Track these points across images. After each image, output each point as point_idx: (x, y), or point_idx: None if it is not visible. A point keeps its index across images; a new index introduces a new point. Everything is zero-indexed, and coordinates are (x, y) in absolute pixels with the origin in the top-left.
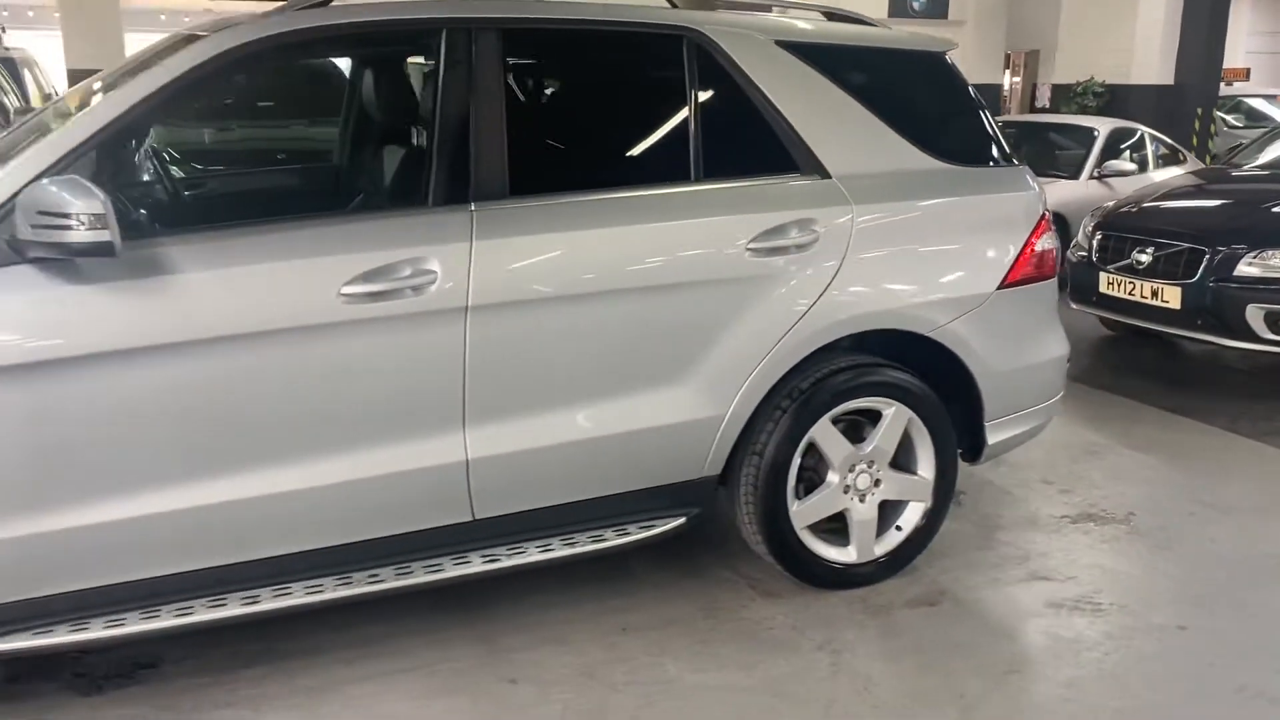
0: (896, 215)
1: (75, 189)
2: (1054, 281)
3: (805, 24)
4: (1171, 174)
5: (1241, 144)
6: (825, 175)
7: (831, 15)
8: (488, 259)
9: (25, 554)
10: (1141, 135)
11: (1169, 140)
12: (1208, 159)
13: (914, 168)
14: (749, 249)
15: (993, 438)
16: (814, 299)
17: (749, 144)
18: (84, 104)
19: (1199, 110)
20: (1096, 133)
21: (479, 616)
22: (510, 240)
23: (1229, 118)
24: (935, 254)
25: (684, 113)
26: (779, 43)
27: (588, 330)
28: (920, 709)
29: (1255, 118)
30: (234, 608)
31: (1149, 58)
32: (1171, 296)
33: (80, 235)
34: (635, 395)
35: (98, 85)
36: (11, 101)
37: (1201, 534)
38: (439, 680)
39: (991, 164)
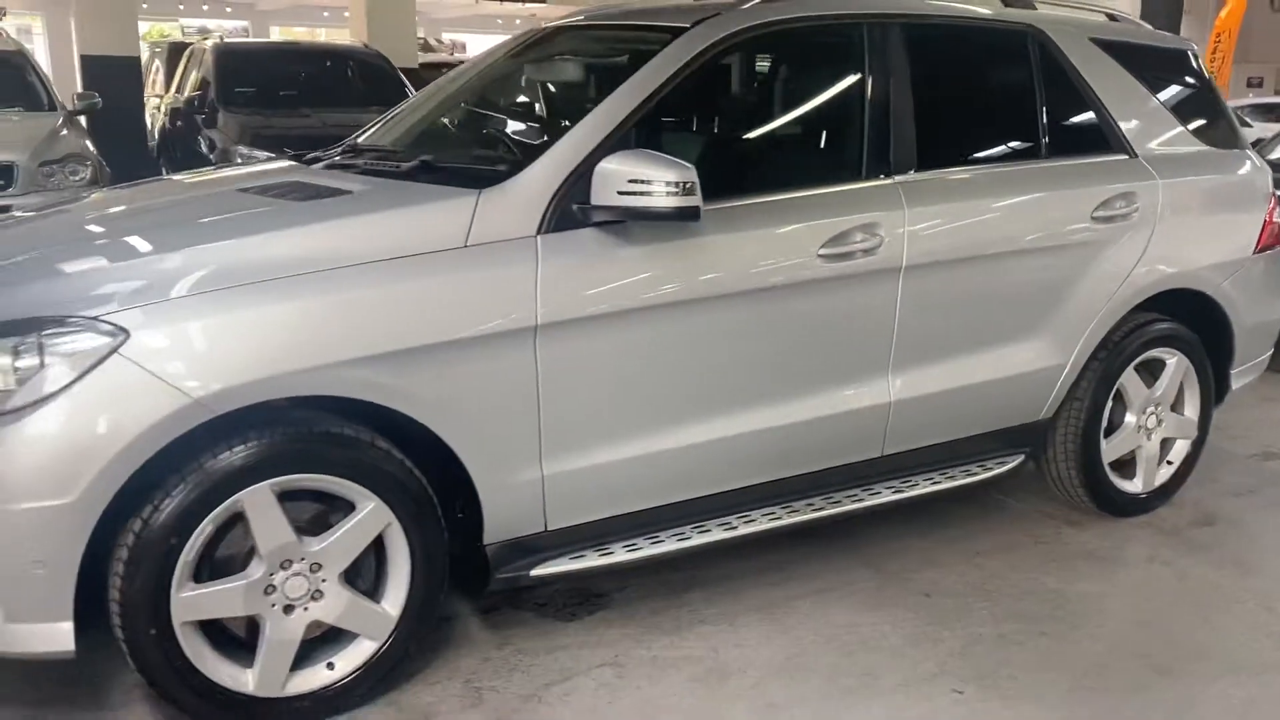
0: (1189, 189)
1: (662, 160)
2: None
3: (1104, 20)
4: None
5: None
6: (1133, 154)
7: (1112, 16)
8: (916, 225)
9: (594, 481)
10: None
11: None
12: None
13: (1188, 148)
14: (1093, 216)
15: (1235, 384)
16: (1135, 262)
17: (1076, 126)
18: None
19: None
20: None
21: (857, 545)
22: (929, 208)
23: None
24: (1214, 223)
25: (1032, 98)
26: (1091, 39)
27: (979, 288)
28: (1276, 600)
29: None
30: (717, 533)
31: None
32: None
33: (672, 201)
34: (1009, 345)
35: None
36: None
37: None
38: (863, 597)
39: (1230, 146)
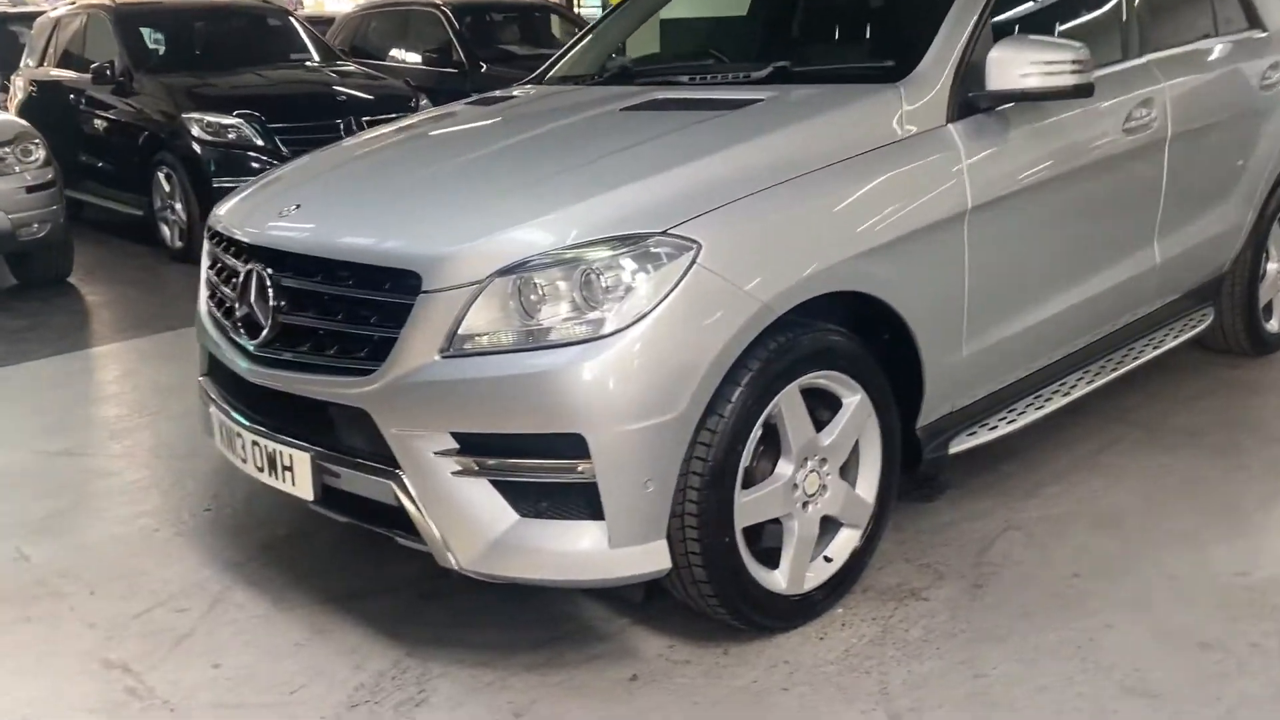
0: None
1: (1055, 43)
2: None
3: None
4: None
5: None
6: (1264, 29)
7: None
8: (1172, 97)
9: (989, 359)
10: None
11: None
12: None
13: None
14: (1260, 86)
15: None
16: None
17: (1230, 9)
18: None
19: None
20: None
21: (1093, 410)
22: (1177, 82)
23: None
24: None
25: None
26: None
27: (1206, 154)
28: None
29: None
30: (1057, 400)
31: None
32: None
33: (1073, 79)
34: (1218, 205)
35: None
36: None
37: None
38: (1146, 445)
39: None
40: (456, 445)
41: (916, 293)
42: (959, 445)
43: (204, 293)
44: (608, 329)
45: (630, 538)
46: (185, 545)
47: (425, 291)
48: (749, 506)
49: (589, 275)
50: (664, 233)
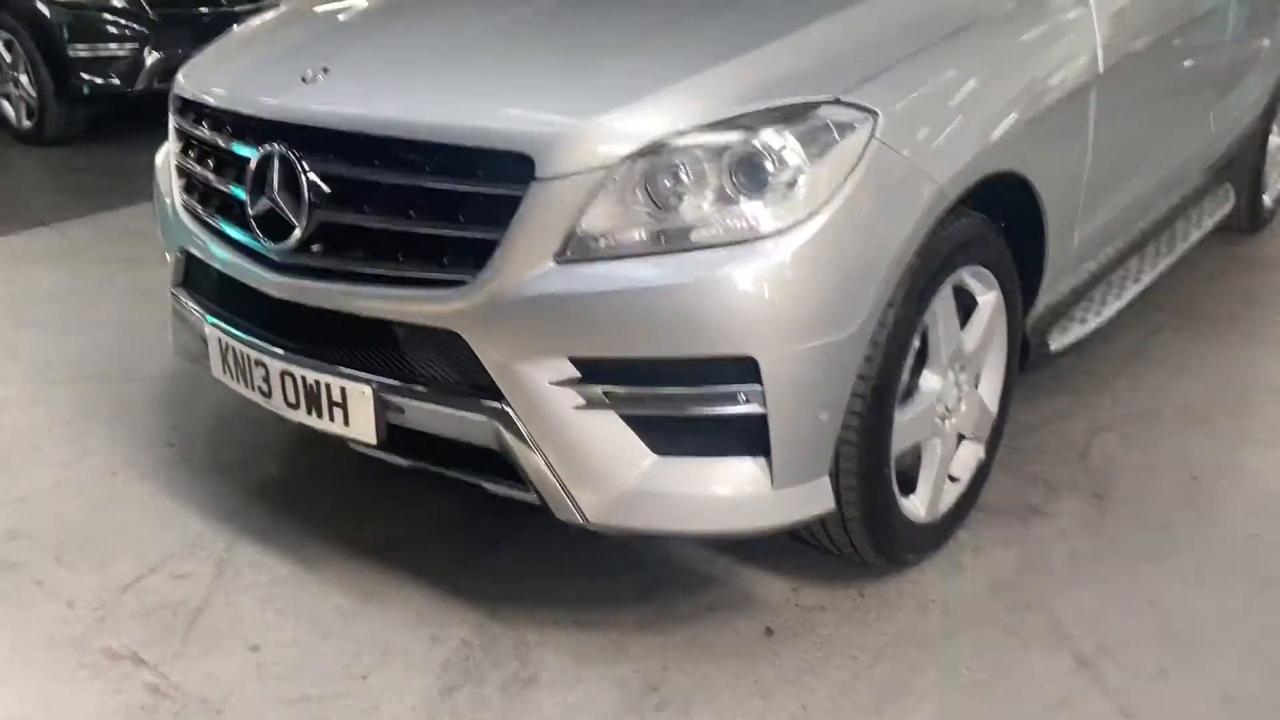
0: None
1: None
2: None
3: None
4: None
5: None
6: None
7: None
8: None
9: (1088, 242)
10: None
11: None
12: None
13: None
14: None
15: None
16: None
17: None
18: None
19: None
20: None
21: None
22: None
23: None
24: None
25: None
26: None
27: (1248, 17)
28: None
29: None
30: (1131, 288)
31: None
32: None
33: None
34: (1249, 75)
35: None
36: None
37: None
38: (1190, 329)
39: None
40: (578, 373)
41: (1051, 172)
42: (1058, 342)
43: (175, 182)
44: (776, 225)
45: (796, 476)
46: (158, 491)
47: (539, 179)
48: (904, 428)
49: (747, 157)
50: (836, 100)
